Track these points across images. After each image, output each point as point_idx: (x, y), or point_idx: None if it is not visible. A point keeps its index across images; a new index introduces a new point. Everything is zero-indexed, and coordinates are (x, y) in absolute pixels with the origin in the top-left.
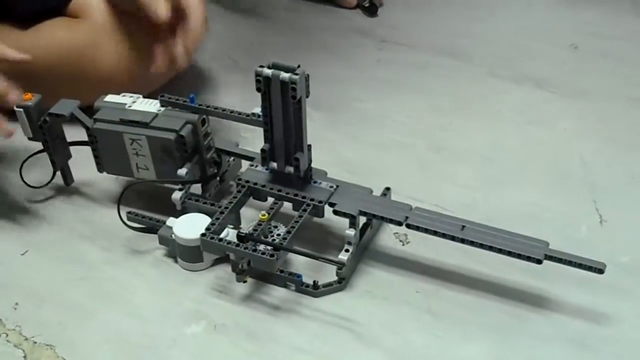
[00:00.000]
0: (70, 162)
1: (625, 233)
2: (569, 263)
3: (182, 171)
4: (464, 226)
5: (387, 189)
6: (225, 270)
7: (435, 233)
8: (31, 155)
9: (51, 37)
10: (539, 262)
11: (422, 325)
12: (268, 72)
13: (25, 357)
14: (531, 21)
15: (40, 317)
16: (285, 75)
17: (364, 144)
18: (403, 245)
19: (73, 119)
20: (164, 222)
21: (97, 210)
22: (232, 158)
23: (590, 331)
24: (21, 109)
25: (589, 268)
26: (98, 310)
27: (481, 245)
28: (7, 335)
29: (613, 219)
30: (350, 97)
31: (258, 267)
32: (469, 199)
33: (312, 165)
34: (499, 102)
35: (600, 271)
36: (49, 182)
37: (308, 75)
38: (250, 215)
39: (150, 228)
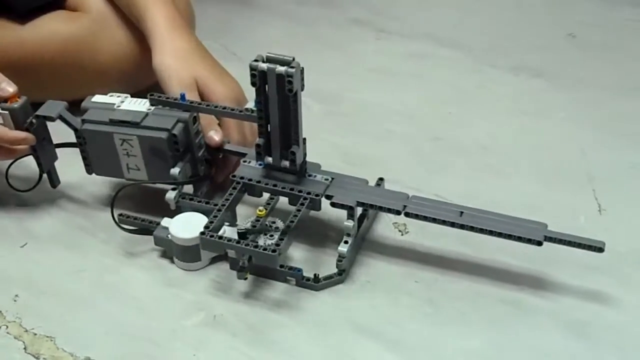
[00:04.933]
0: (59, 165)
1: (624, 222)
2: (569, 243)
3: (174, 170)
4: (462, 212)
5: (381, 179)
6: (224, 266)
7: (434, 220)
8: (18, 159)
9: (50, 30)
10: (539, 243)
11: (421, 315)
12: (263, 66)
13: (25, 348)
14: (529, 11)
15: (40, 309)
16: (281, 68)
17: (362, 134)
18: (402, 235)
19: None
20: (158, 223)
21: (93, 208)
22: None
23: (589, 319)
24: (7, 111)
25: (589, 247)
26: (98, 302)
27: (481, 230)
28: (7, 327)
29: (612, 208)
30: (347, 88)
31: (260, 263)
32: (467, 189)
33: (310, 156)
34: (497, 92)
35: (600, 249)
36: (35, 185)
37: (303, 68)
38: (243, 213)
39: (145, 229)
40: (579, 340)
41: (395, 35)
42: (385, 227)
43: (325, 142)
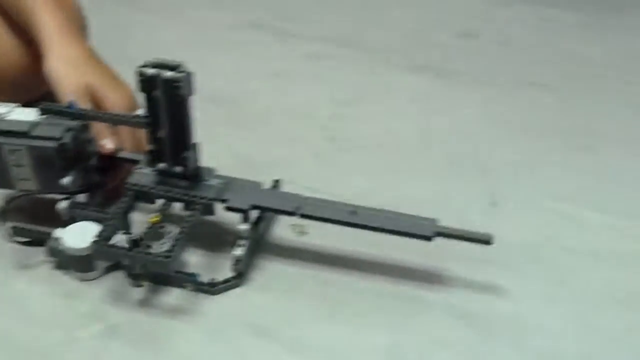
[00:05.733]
0: None
1: (517, 215)
2: (457, 237)
3: (66, 180)
4: (354, 211)
5: (277, 181)
6: (120, 275)
7: (327, 220)
8: None
9: None
10: (429, 238)
11: (320, 315)
12: (151, 71)
13: None
14: (426, 9)
15: None
16: (168, 73)
17: (262, 136)
18: (301, 236)
19: None
20: (51, 234)
21: None
22: None
23: (484, 311)
24: None
25: (477, 240)
26: None
27: (373, 228)
28: None
29: (505, 201)
30: (247, 91)
31: (154, 270)
32: (366, 188)
33: (209, 161)
34: (396, 91)
35: (487, 242)
36: None
37: (191, 72)
38: (142, 220)
39: (38, 240)
40: (474, 332)
41: (294, 37)
42: (284, 228)
43: (224, 146)
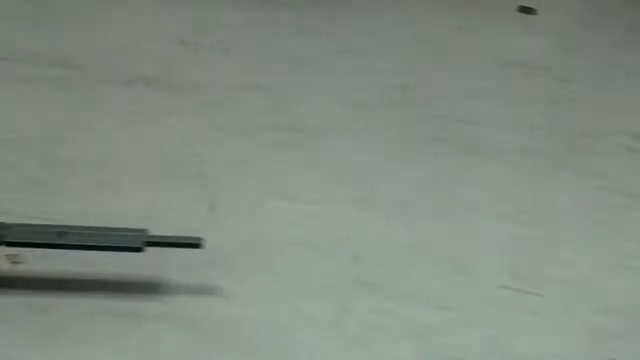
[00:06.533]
0: None
1: (236, 216)
2: (168, 244)
3: None
4: (63, 232)
5: None
6: None
7: (35, 245)
8: None
9: None
10: (139, 249)
11: (40, 345)
12: None
13: None
14: (138, 22)
15: None
16: None
17: None
18: (16, 265)
19: None
20: None
21: None
22: None
23: (201, 316)
24: None
25: (187, 245)
26: None
27: (82, 247)
28: None
29: (225, 204)
30: None
31: None
32: (82, 208)
33: None
34: (110, 107)
35: (197, 246)
36: None
37: None
38: None
39: None
40: (197, 339)
41: (4, 61)
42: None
43: None
